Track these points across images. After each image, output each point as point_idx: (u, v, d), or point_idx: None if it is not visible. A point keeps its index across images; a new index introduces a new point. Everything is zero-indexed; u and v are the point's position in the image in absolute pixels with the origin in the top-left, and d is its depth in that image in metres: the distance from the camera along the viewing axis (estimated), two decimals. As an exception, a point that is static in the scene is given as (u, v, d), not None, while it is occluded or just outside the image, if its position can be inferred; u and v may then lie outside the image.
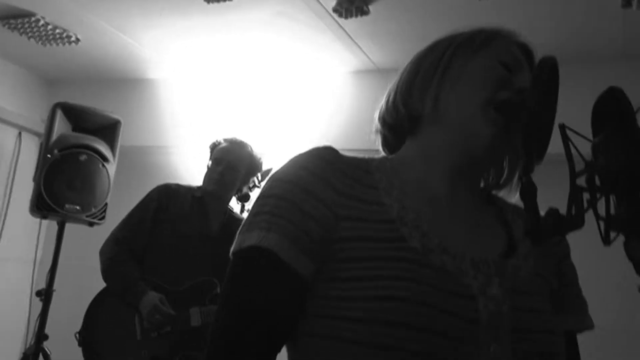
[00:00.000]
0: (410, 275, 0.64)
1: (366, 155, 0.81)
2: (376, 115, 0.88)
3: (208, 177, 2.42)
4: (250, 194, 3.34)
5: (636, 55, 3.12)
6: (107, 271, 2.28)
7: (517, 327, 0.67)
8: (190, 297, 2.27)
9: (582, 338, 0.84)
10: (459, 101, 0.77)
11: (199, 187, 2.45)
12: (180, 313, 2.22)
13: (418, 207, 0.73)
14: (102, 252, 2.33)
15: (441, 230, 0.71)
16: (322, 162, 0.73)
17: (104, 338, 2.25)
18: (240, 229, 0.72)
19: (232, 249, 0.72)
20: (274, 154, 2.88)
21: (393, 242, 0.68)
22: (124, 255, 2.28)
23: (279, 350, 0.70)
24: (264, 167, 2.62)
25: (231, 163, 2.41)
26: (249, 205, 3.35)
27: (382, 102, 0.87)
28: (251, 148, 2.53)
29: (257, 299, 0.68)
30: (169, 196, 2.37)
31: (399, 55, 3.40)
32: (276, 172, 0.75)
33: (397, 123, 0.83)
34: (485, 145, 0.76)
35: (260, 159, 2.56)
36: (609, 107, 0.64)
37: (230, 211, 2.53)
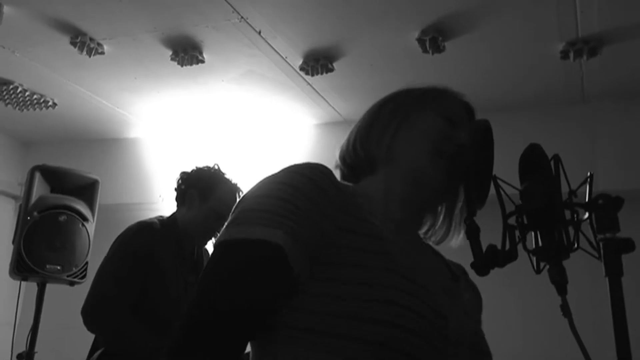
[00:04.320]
0: (409, 289, 0.72)
1: None
2: (337, 153, 0.98)
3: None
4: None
5: (575, 101, 3.38)
6: (119, 341, 2.10)
7: (472, 346, 0.79)
8: None
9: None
10: (409, 148, 0.89)
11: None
12: None
13: (394, 231, 0.81)
14: (101, 318, 2.11)
15: (415, 255, 0.80)
16: (319, 172, 0.78)
17: None
18: (231, 221, 0.74)
19: (221, 238, 0.73)
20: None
21: (387, 256, 0.74)
22: (128, 318, 2.11)
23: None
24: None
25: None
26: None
27: (342, 143, 0.97)
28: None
29: (254, 290, 0.70)
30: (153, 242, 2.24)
31: (364, 107, 3.59)
32: (272, 176, 0.79)
33: (356, 164, 0.93)
34: (434, 186, 0.87)
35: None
36: (530, 160, 0.79)
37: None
